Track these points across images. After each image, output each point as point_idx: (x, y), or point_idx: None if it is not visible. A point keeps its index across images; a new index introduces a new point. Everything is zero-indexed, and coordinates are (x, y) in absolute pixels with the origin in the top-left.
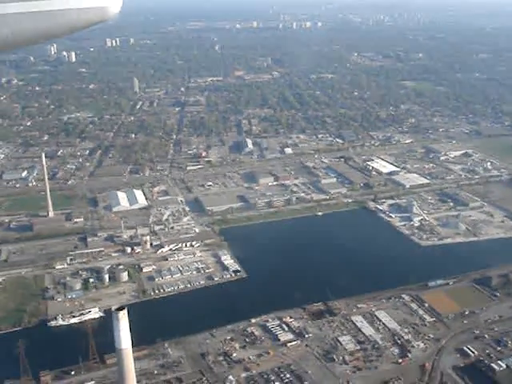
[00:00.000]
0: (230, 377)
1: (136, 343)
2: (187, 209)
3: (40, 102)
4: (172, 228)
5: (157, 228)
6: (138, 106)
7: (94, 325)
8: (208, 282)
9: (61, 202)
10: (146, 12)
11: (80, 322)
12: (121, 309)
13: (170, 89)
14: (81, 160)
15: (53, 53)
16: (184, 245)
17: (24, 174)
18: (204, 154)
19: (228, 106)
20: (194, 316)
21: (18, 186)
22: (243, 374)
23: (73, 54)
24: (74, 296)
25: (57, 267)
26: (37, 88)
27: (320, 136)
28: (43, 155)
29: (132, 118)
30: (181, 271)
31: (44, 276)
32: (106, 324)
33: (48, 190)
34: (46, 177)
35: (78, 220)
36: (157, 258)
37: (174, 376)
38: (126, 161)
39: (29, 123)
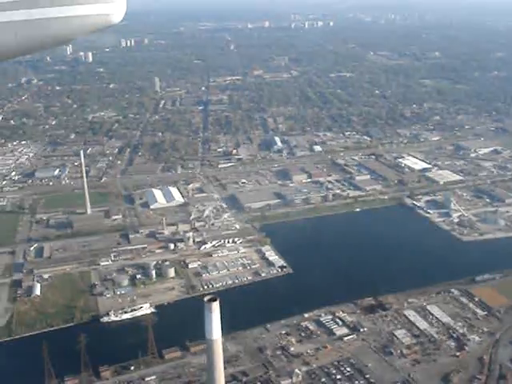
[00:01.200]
0: (297, 370)
1: (193, 338)
2: (224, 206)
3: (62, 101)
4: (213, 224)
5: (197, 225)
6: (160, 105)
7: (148, 320)
8: (255, 278)
9: (96, 200)
10: (155, 13)
11: (132, 318)
12: (213, 299)
13: (190, 88)
14: (111, 158)
15: (69, 53)
16: (226, 241)
17: (56, 172)
18: (235, 151)
19: (251, 105)
20: (246, 311)
21: (51, 183)
22: (303, 368)
23: (89, 54)
24: (123, 292)
25: (102, 264)
26: (57, 88)
27: (347, 134)
28: (81, 153)
29: (156, 117)
30: (227, 267)
31: (90, 272)
32: (158, 320)
33: (86, 188)
34: (84, 174)
35: (116, 217)
36: (201, 254)
37: (238, 370)
38: (156, 159)
39: (53, 122)
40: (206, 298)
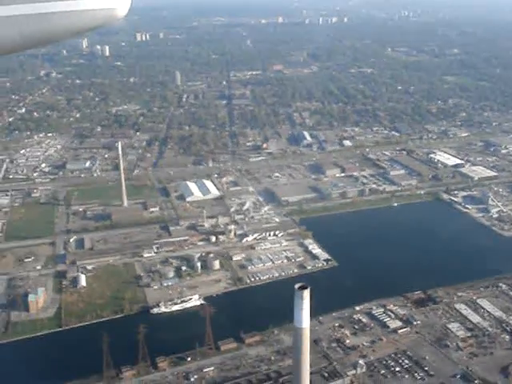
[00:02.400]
0: (361, 361)
1: (245, 330)
2: (261, 199)
3: (84, 94)
4: (252, 218)
5: (237, 217)
6: (183, 99)
7: (205, 312)
8: (301, 271)
9: (131, 192)
10: (167, 8)
11: (182, 310)
12: (304, 287)
13: (211, 82)
14: (140, 151)
15: (85, 46)
16: (268, 234)
17: (87, 164)
18: (265, 145)
19: (275, 100)
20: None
21: (82, 176)
22: (361, 361)
23: (106, 47)
24: (170, 284)
25: (145, 255)
26: (77, 81)
27: (375, 129)
28: (119, 145)
29: (181, 111)
30: (271, 260)
31: (133, 264)
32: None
33: (123, 180)
34: (122, 167)
35: (153, 209)
36: (243, 247)
37: None
38: (186, 152)
39: (78, 115)
40: (296, 286)
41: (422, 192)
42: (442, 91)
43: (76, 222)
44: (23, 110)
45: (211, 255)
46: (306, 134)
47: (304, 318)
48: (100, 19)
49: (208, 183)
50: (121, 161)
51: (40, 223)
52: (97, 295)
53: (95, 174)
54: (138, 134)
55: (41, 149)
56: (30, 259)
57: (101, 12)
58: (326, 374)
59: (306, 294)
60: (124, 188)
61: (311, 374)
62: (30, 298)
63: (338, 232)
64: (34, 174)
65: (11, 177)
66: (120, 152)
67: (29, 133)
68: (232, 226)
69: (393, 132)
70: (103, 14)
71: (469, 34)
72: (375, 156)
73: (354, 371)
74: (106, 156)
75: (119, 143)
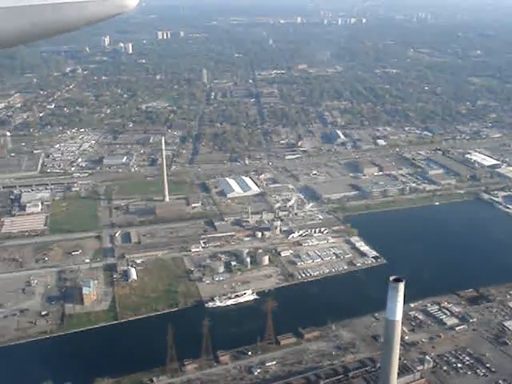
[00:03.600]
0: (427, 357)
1: (302, 325)
2: (301, 196)
3: (111, 91)
4: (296, 214)
5: (281, 214)
6: (212, 97)
7: (249, 307)
8: (350, 268)
9: (170, 188)
10: (184, 7)
11: (236, 304)
12: (399, 280)
13: (237, 81)
14: (175, 147)
15: (107, 44)
16: (313, 231)
17: (124, 159)
18: (300, 143)
19: (303, 98)
20: (350, 299)
21: (120, 171)
22: (427, 356)
23: (130, 45)
24: (221, 278)
25: (192, 250)
26: (103, 77)
27: (407, 129)
28: (163, 139)
29: (211, 108)
30: (320, 256)
31: (182, 258)
32: (259, 306)
33: (165, 176)
34: (164, 162)
35: (195, 205)
36: (290, 243)
37: (365, 356)
38: (220, 149)
39: (108, 111)
40: (391, 278)
41: (462, 191)
42: (470, 92)
43: (119, 217)
44: (53, 106)
45: (260, 251)
46: (339, 132)
47: (398, 311)
48: (111, 9)
49: (247, 180)
50: (163, 156)
51: (83, 217)
52: (149, 289)
53: (132, 169)
54: (170, 130)
55: (75, 144)
56: (77, 252)
57: (111, 2)
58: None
59: (401, 286)
60: (166, 183)
61: (380, 369)
62: (85, 290)
63: (383, 230)
64: (72, 169)
65: (49, 171)
66: (163, 147)
67: (61, 128)
68: (278, 223)
69: (425, 132)
70: (114, 4)
71: (489, 36)
72: (410, 155)
73: (421, 367)
74: (142, 151)
75: (163, 138)
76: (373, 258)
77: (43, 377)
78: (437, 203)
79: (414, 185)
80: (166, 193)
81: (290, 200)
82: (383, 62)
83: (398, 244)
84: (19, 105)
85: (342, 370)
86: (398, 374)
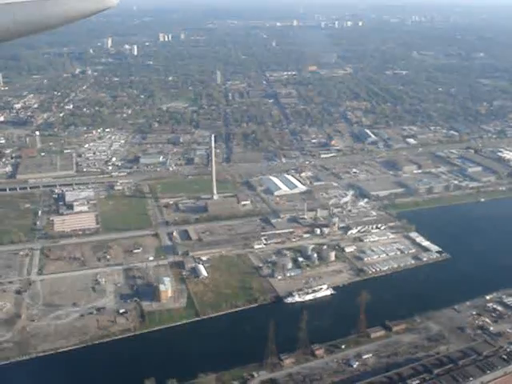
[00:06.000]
0: None
1: (386, 318)
2: (347, 193)
3: (127, 92)
4: (350, 211)
5: (335, 211)
6: (229, 97)
7: (327, 301)
8: (417, 262)
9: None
10: (177, 11)
11: (313, 299)
12: None
13: (249, 82)
14: (207, 147)
15: (109, 46)
16: (370, 227)
17: (160, 158)
18: (334, 142)
19: (321, 99)
20: (424, 292)
21: (158, 170)
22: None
23: (135, 47)
24: (293, 274)
25: (255, 247)
26: (115, 79)
27: (432, 128)
28: (212, 137)
29: (232, 108)
30: (385, 252)
31: (247, 255)
32: (336, 301)
33: (214, 173)
34: (214, 159)
35: (245, 203)
36: (350, 239)
37: (466, 346)
38: (254, 148)
39: (130, 111)
40: None
41: (504, 188)
42: (484, 93)
43: (170, 215)
44: (71, 106)
45: (325, 247)
46: (368, 132)
47: None
48: (93, 6)
49: (291, 178)
50: (213, 154)
51: (134, 215)
52: (222, 285)
53: (170, 168)
54: (197, 130)
55: (104, 143)
56: (138, 250)
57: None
58: (505, 356)
59: None
60: (214, 181)
61: (490, 357)
62: (162, 287)
63: (437, 225)
64: (110, 168)
65: (85, 170)
66: (213, 145)
67: (85, 128)
68: (336, 219)
69: (451, 131)
70: (96, 2)
71: (487, 39)
72: (443, 154)
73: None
74: (175, 150)
75: (212, 136)
76: (437, 252)
77: (143, 374)
78: (482, 200)
79: (456, 182)
80: (215, 190)
81: (343, 197)
82: (390, 63)
83: (456, 239)
84: (36, 105)
85: (446, 359)
86: (508, 360)
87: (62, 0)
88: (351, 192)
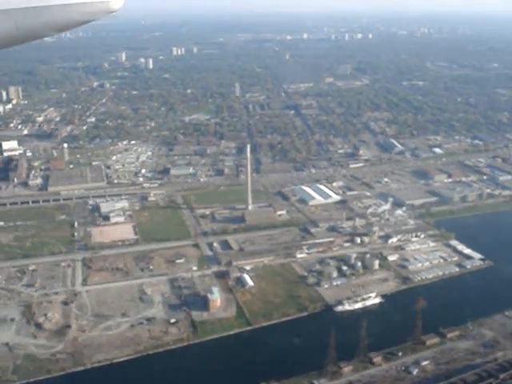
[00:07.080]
0: None
1: (439, 325)
2: (382, 202)
3: (148, 104)
4: (387, 220)
5: (373, 220)
6: (250, 109)
7: (377, 310)
8: (462, 270)
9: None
10: (185, 25)
11: (363, 308)
12: None
13: (268, 94)
14: (234, 158)
15: (124, 59)
16: (410, 236)
17: (191, 170)
18: (362, 152)
19: (342, 110)
20: (473, 299)
21: (189, 181)
22: None
23: (150, 61)
24: (339, 283)
25: (298, 256)
26: (133, 92)
27: (456, 137)
28: (248, 147)
29: (254, 120)
30: (428, 260)
31: (290, 264)
32: (386, 309)
33: (249, 183)
34: (249, 169)
35: (280, 212)
36: (392, 248)
37: None
38: (282, 159)
39: (153, 124)
40: None
41: None
42: (503, 103)
43: (208, 225)
44: (93, 119)
45: (368, 255)
46: (394, 142)
47: None
48: (95, 12)
49: (324, 188)
50: (249, 164)
51: (171, 226)
52: (270, 294)
53: (201, 179)
54: (222, 141)
55: (131, 155)
56: (181, 260)
57: (95, 5)
58: None
59: None
60: (249, 192)
61: None
62: (211, 297)
63: (475, 233)
64: (140, 179)
65: (116, 181)
66: (248, 155)
67: (110, 140)
68: (377, 228)
69: (475, 140)
70: (98, 7)
71: (499, 49)
72: (471, 163)
73: None
74: (203, 162)
75: (248, 146)
76: (479, 260)
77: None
78: None
79: (488, 190)
80: (250, 201)
81: (380, 206)
82: (406, 74)
83: (497, 247)
84: (58, 118)
85: (508, 365)
86: None
87: (64, 6)
88: (391, 200)
